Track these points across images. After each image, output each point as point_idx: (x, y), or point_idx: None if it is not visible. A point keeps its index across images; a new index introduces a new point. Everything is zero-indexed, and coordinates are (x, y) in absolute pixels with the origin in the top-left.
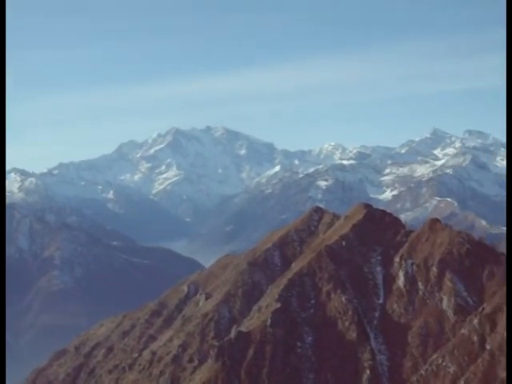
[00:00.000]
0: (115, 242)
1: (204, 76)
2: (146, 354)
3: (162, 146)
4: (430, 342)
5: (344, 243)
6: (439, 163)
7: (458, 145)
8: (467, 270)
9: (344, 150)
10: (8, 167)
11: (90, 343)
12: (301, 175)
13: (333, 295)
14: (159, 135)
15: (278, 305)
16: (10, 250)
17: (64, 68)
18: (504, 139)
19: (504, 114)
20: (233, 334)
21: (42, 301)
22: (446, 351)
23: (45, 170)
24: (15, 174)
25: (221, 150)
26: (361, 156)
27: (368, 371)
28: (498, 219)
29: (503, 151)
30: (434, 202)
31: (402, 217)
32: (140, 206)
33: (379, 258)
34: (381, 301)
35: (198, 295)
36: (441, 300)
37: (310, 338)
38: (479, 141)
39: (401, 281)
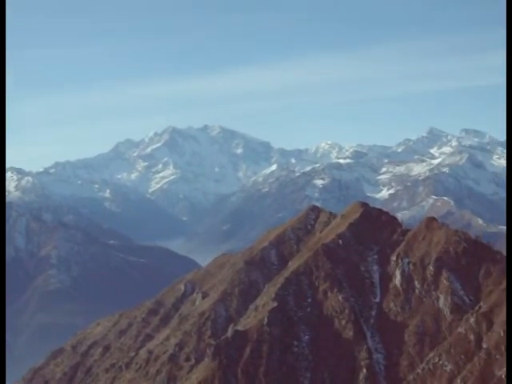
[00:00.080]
0: (112, 241)
1: (201, 75)
2: (143, 352)
3: (158, 144)
4: (426, 341)
5: (341, 242)
6: (436, 162)
7: (454, 143)
8: (464, 269)
9: (341, 148)
10: None
11: (87, 342)
12: (297, 174)
13: (329, 294)
14: (156, 134)
15: (275, 303)
16: (6, 249)
17: (61, 67)
18: (500, 138)
19: (501, 112)
20: (229, 332)
21: (38, 300)
22: (442, 350)
23: (41, 169)
24: (12, 172)
25: (217, 148)
26: (357, 155)
27: (365, 370)
28: (495, 218)
29: (500, 150)
30: (431, 201)
31: (399, 215)
32: (137, 205)
33: (376, 256)
34: (377, 299)
35: (194, 294)
36: (437, 299)
37: (306, 337)
38: (476, 139)
39: (397, 279)
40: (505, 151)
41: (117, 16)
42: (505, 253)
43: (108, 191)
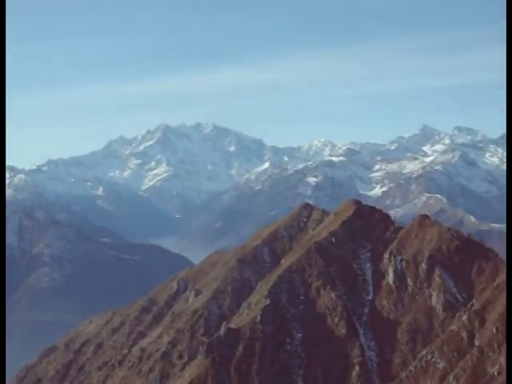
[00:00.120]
0: (104, 239)
1: (193, 72)
2: (136, 350)
3: (151, 142)
4: (419, 338)
5: (333, 239)
6: (428, 160)
7: (447, 141)
8: (456, 267)
9: (333, 146)
10: None
11: (80, 340)
12: (290, 172)
13: (322, 291)
14: (148, 132)
15: (268, 301)
16: None
17: (53, 65)
18: (493, 136)
19: (493, 110)
20: (222, 330)
21: (31, 298)
22: (435, 347)
23: (34, 167)
24: None
25: (210, 146)
26: (350, 152)
27: (357, 367)
28: (487, 215)
29: (492, 148)
30: (424, 199)
31: (392, 213)
32: (129, 203)
33: (368, 254)
34: (370, 297)
35: (187, 292)
36: (430, 296)
37: (299, 335)
38: (468, 137)
39: (390, 277)
40: (497, 149)
41: (109, 12)
42: (497, 250)
43: (101, 189)
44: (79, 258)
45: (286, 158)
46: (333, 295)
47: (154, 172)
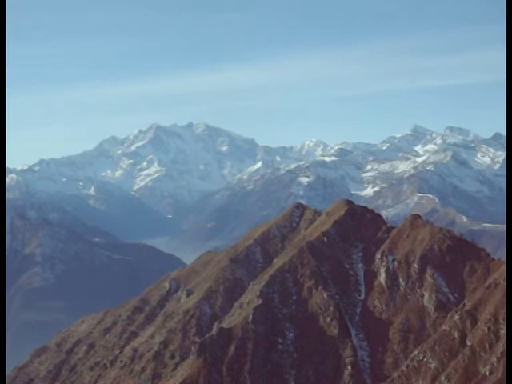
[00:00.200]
0: (96, 239)
1: (186, 72)
2: (128, 350)
3: (143, 142)
4: (411, 338)
5: (325, 239)
6: (420, 160)
7: (438, 141)
8: (448, 266)
9: (325, 146)
10: None
11: (71, 340)
12: (282, 172)
13: (314, 291)
14: (140, 131)
15: (260, 301)
16: None
17: (45, 65)
18: (485, 136)
19: (485, 110)
20: (214, 330)
21: (22, 297)
22: (426, 347)
23: (26, 167)
24: None
25: (202, 146)
26: (342, 152)
27: (349, 367)
28: (479, 215)
29: (484, 148)
30: (416, 199)
31: (384, 213)
32: (121, 203)
33: (360, 254)
34: (362, 297)
35: (179, 292)
36: (422, 296)
37: (291, 335)
38: (460, 137)
39: (382, 277)
40: (489, 149)
41: (102, 13)
42: (488, 250)
43: (92, 189)
44: (71, 258)
45: (278, 158)
46: (325, 295)
47: (146, 172)
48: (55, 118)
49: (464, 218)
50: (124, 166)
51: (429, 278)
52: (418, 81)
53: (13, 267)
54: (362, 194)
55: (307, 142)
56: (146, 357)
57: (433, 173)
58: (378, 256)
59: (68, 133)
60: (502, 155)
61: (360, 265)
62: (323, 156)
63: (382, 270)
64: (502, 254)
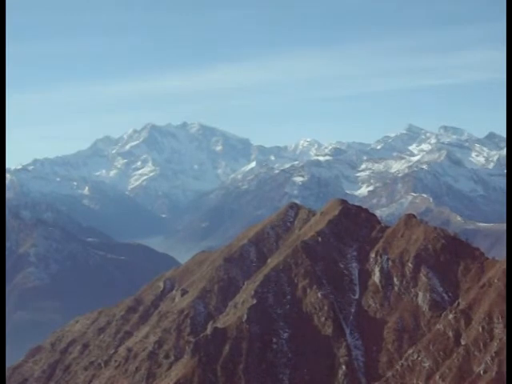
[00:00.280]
0: (91, 239)
1: (180, 72)
2: (122, 350)
3: (137, 141)
4: (405, 338)
5: (320, 239)
6: (415, 159)
7: (433, 141)
8: (442, 266)
9: (320, 146)
10: None
11: (66, 340)
12: (276, 171)
13: (309, 291)
14: (135, 131)
15: (254, 301)
16: None
17: (39, 64)
18: (479, 135)
19: (479, 110)
20: (209, 330)
21: (17, 297)
22: (421, 346)
23: (20, 166)
24: None
25: (196, 145)
26: (336, 152)
27: (344, 366)
28: (473, 215)
29: (478, 147)
30: (410, 198)
31: (378, 212)
32: (115, 202)
33: (355, 253)
34: (356, 296)
35: (173, 291)
36: (416, 295)
37: (285, 334)
38: (454, 137)
39: (376, 276)
40: (483, 148)
41: (95, 12)
42: (482, 249)
43: (87, 188)
44: (65, 258)
45: (272, 158)
46: (319, 294)
47: (141, 171)
48: (49, 117)
49: (458, 218)
50: (118, 166)
51: (423, 278)
52: (412, 80)
53: (7, 267)
54: (357, 193)
55: (301, 142)
56: (140, 356)
57: (427, 172)
58: (373, 255)
59: (62, 132)
60: (496, 155)
61: (354, 264)
62: (317, 155)
63: (377, 270)
64: (496, 254)
